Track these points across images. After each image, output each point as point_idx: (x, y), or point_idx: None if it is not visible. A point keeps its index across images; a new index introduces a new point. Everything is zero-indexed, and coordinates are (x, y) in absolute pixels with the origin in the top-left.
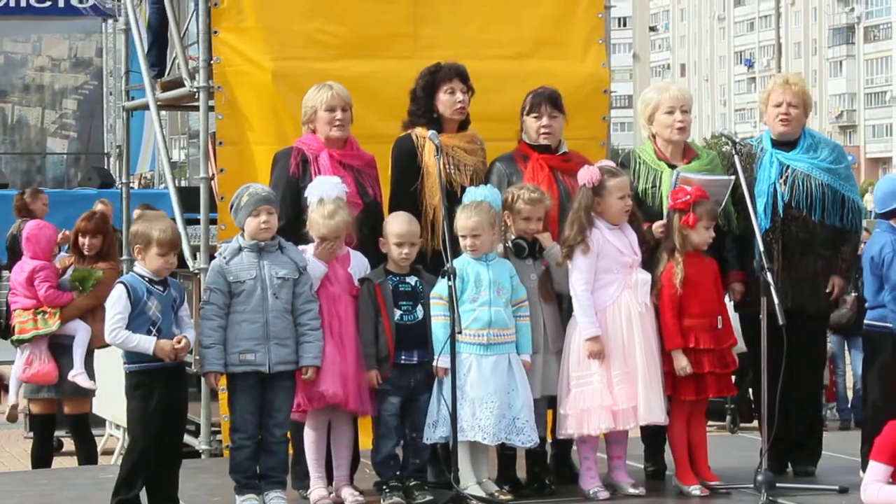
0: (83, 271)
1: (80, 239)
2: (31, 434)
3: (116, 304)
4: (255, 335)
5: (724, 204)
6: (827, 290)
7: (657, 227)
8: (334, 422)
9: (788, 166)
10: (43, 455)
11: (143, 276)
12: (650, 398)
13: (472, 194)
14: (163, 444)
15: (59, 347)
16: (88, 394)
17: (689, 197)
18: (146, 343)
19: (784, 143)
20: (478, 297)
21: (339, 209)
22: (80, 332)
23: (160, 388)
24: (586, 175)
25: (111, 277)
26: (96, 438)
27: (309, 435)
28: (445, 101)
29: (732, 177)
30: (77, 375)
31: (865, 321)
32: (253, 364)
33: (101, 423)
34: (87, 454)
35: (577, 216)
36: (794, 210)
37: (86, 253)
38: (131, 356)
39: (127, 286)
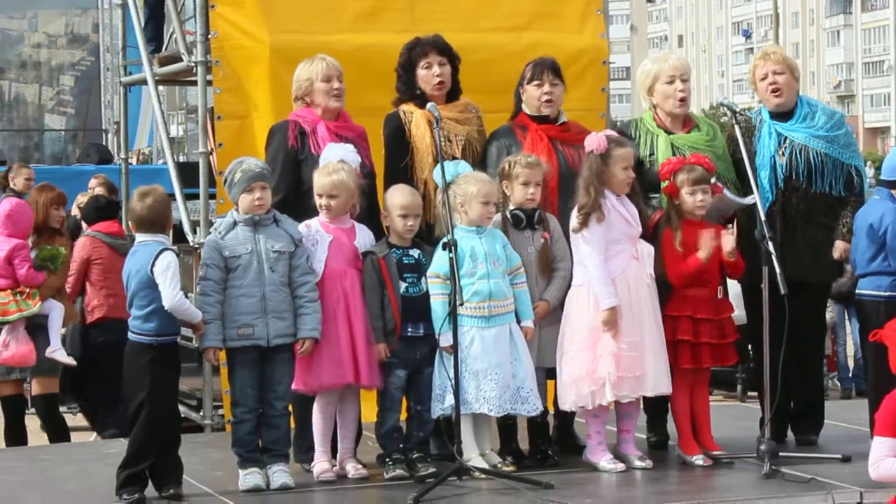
0: (51, 250)
1: (53, 211)
2: None
3: (176, 270)
4: (252, 309)
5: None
6: (835, 257)
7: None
8: (341, 395)
9: (786, 137)
10: (16, 436)
11: (173, 249)
12: (658, 368)
13: (451, 169)
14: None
15: (34, 327)
16: (58, 372)
17: (669, 166)
18: (199, 314)
19: (781, 114)
20: (475, 270)
21: (341, 170)
22: (55, 310)
23: (176, 362)
24: (594, 142)
25: (69, 254)
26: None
27: (320, 410)
28: (423, 76)
29: (753, 201)
30: (55, 351)
31: (857, 290)
32: (251, 338)
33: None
34: (57, 436)
35: (591, 181)
36: (794, 181)
37: (53, 225)
38: (162, 329)
39: (178, 255)
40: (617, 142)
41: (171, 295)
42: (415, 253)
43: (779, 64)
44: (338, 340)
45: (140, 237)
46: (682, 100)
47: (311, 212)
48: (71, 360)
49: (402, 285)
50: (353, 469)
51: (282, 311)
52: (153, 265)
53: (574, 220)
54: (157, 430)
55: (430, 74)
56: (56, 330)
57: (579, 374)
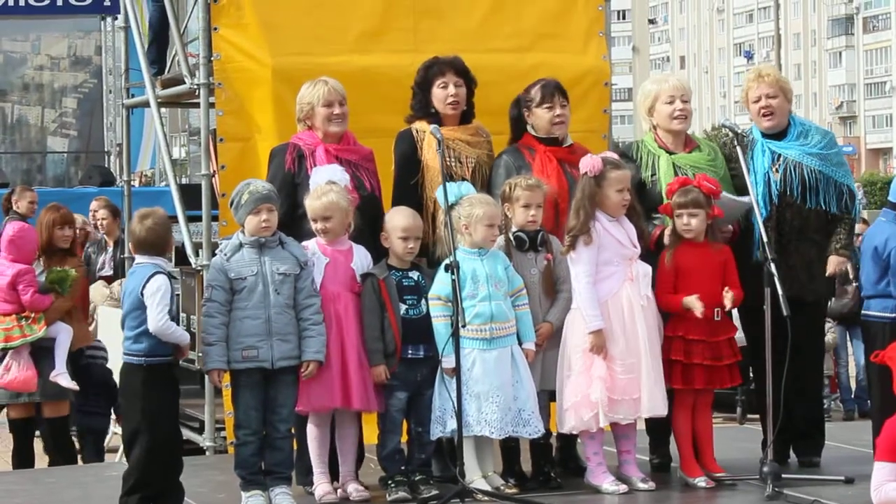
0: (60, 272)
1: (58, 232)
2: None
3: (165, 294)
4: (257, 331)
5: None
6: (829, 272)
7: None
8: (339, 418)
9: (780, 155)
10: (24, 459)
11: (166, 272)
12: (653, 390)
13: (455, 190)
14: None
15: (40, 351)
16: (68, 396)
17: (669, 186)
18: (186, 337)
19: (773, 134)
20: (477, 292)
21: (330, 191)
22: (63, 333)
23: (172, 382)
24: (588, 163)
25: (82, 275)
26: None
27: (312, 431)
28: (438, 95)
29: (748, 200)
30: (58, 375)
31: (863, 312)
32: (256, 360)
33: None
34: (65, 458)
35: (581, 204)
36: (788, 197)
37: (61, 246)
38: (153, 349)
39: (170, 278)
40: (613, 164)
41: (155, 318)
42: (414, 275)
43: (772, 87)
44: (329, 363)
45: (139, 259)
46: (682, 118)
47: (308, 235)
48: (74, 385)
49: (402, 307)
50: (354, 491)
51: (286, 333)
52: (144, 287)
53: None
54: (156, 453)
55: (445, 94)
56: (62, 353)
57: (576, 398)
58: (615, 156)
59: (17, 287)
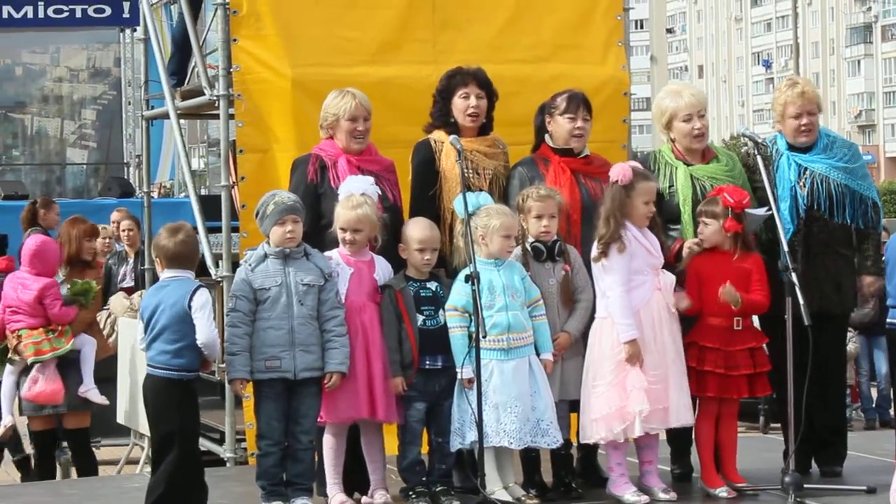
0: (83, 284)
1: (86, 243)
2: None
3: (212, 308)
4: (280, 342)
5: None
6: (868, 293)
7: None
8: (364, 428)
9: (806, 168)
10: (45, 471)
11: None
12: (680, 400)
13: (473, 200)
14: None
15: (65, 362)
16: (91, 407)
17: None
18: (218, 354)
19: (800, 146)
20: (494, 303)
21: (365, 204)
22: (87, 345)
23: (197, 398)
24: (619, 172)
25: (100, 287)
26: (119, 448)
27: (328, 441)
28: (459, 105)
29: (769, 213)
30: (89, 391)
31: (888, 321)
32: (279, 371)
33: (125, 432)
34: (87, 469)
35: (611, 213)
36: (815, 212)
37: (86, 258)
38: (191, 364)
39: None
40: (641, 175)
41: (207, 330)
42: (432, 285)
43: (812, 103)
44: (354, 374)
45: (169, 272)
46: (700, 136)
47: (331, 245)
48: (104, 400)
49: (420, 318)
50: (380, 497)
51: (310, 344)
52: (191, 300)
53: (594, 250)
54: (186, 465)
55: (465, 104)
56: (89, 367)
57: (609, 411)
58: (641, 167)
59: (43, 301)
